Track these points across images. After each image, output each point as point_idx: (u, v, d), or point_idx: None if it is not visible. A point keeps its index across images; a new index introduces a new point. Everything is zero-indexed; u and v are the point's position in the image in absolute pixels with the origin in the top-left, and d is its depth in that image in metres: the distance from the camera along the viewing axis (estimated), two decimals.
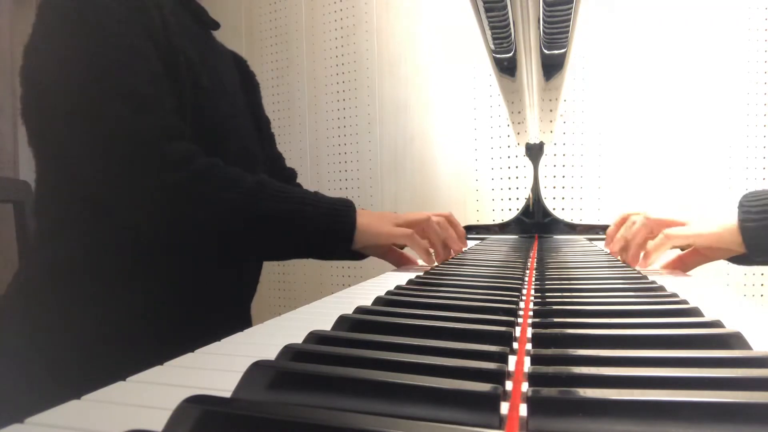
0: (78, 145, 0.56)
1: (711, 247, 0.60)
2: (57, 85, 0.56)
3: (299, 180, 0.96)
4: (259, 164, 0.80)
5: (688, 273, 0.64)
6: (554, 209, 1.26)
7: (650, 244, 0.62)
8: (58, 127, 0.57)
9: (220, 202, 0.57)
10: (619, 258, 0.69)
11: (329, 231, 0.63)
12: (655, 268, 0.66)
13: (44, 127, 0.59)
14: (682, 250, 0.67)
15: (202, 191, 0.56)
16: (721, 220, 0.58)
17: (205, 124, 0.65)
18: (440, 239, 0.71)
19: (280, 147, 0.94)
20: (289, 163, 0.96)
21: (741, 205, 0.56)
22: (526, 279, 0.54)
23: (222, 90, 0.71)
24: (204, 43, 0.73)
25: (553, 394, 0.20)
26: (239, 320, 0.76)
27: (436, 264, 0.70)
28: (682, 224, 0.62)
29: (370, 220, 0.66)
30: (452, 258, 0.73)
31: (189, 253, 0.62)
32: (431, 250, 0.71)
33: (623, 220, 0.72)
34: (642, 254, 0.65)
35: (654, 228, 0.63)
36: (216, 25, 0.79)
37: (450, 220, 0.77)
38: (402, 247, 0.75)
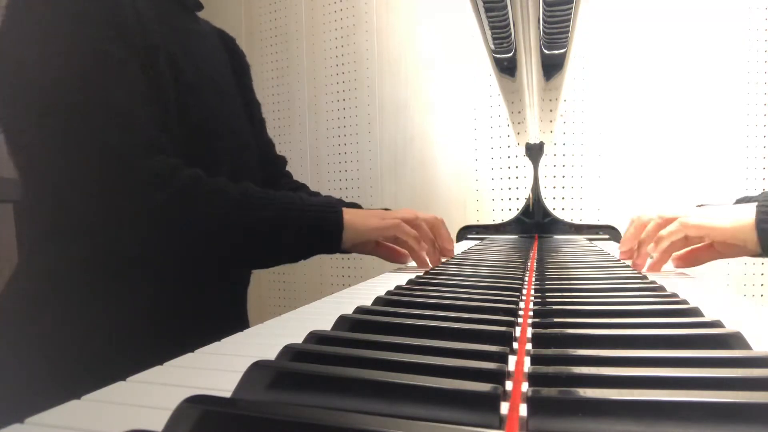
0: (50, 161, 0.54)
1: (725, 242, 0.59)
2: (25, 95, 0.53)
3: (304, 176, 0.95)
4: (252, 156, 0.78)
5: (689, 274, 0.64)
6: (554, 209, 1.26)
7: (664, 231, 0.60)
8: (29, 139, 0.54)
9: (205, 219, 0.56)
10: (629, 261, 0.67)
11: (317, 234, 0.62)
12: (666, 267, 0.65)
13: (17, 136, 0.56)
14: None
15: (185, 210, 0.55)
16: (738, 216, 0.56)
17: (192, 122, 0.63)
18: (429, 237, 0.70)
19: (280, 147, 0.94)
20: (289, 163, 0.96)
21: (760, 205, 0.55)
22: (526, 279, 0.54)
23: (209, 82, 0.69)
24: (187, 30, 0.70)
25: (553, 394, 0.20)
26: (236, 319, 0.76)
27: (429, 264, 0.69)
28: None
29: (356, 217, 0.65)
30: (447, 260, 0.73)
31: (175, 266, 0.61)
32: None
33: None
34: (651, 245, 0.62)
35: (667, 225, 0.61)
36: (199, 6, 0.76)
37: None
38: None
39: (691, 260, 0.64)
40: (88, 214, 0.55)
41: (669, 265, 0.65)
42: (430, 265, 0.69)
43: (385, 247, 0.72)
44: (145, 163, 0.53)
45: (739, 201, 0.76)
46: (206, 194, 0.56)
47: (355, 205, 0.87)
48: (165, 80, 0.60)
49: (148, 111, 0.57)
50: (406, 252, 0.72)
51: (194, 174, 0.57)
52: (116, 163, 0.53)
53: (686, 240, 0.62)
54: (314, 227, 0.62)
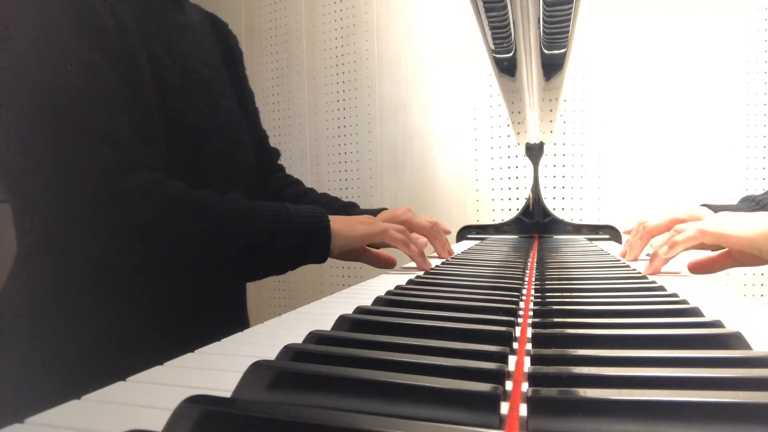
0: (30, 178, 0.52)
1: (742, 251, 0.57)
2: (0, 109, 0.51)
3: (304, 176, 0.94)
4: (246, 151, 0.76)
5: (689, 274, 0.64)
6: (554, 209, 1.26)
7: (680, 236, 0.58)
8: (8, 153, 0.52)
9: (190, 236, 0.54)
10: (630, 262, 0.67)
11: (305, 246, 0.61)
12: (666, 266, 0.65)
13: None
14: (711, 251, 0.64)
15: (169, 228, 0.53)
16: (757, 225, 0.54)
17: (179, 126, 0.61)
18: (422, 238, 0.69)
19: (280, 147, 0.94)
20: (288, 163, 0.95)
21: None
22: (526, 279, 0.54)
23: (197, 80, 0.66)
24: (173, 25, 0.66)
25: (553, 394, 0.20)
26: (236, 319, 0.76)
27: (428, 264, 0.69)
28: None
29: (343, 225, 0.64)
30: (447, 260, 0.73)
31: (164, 279, 0.60)
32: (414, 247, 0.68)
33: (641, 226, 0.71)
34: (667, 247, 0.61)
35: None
36: None
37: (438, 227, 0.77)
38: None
39: (707, 267, 0.63)
40: (73, 230, 0.53)
41: (668, 266, 0.65)
42: (430, 264, 0.69)
43: (371, 254, 0.72)
44: (125, 181, 0.51)
45: (743, 200, 0.76)
46: (190, 210, 0.55)
47: (352, 205, 0.87)
48: (147, 86, 0.58)
49: (128, 123, 0.54)
50: (393, 258, 0.71)
51: (178, 189, 0.55)
52: (96, 183, 0.51)
53: (700, 246, 0.61)
54: (302, 239, 0.61)
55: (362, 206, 0.89)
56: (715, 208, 0.68)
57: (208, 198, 0.57)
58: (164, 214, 0.53)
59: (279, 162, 0.93)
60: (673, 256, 0.60)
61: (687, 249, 0.59)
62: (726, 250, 0.61)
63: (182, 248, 0.55)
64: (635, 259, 0.71)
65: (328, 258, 0.65)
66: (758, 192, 0.74)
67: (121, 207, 0.52)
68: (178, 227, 0.54)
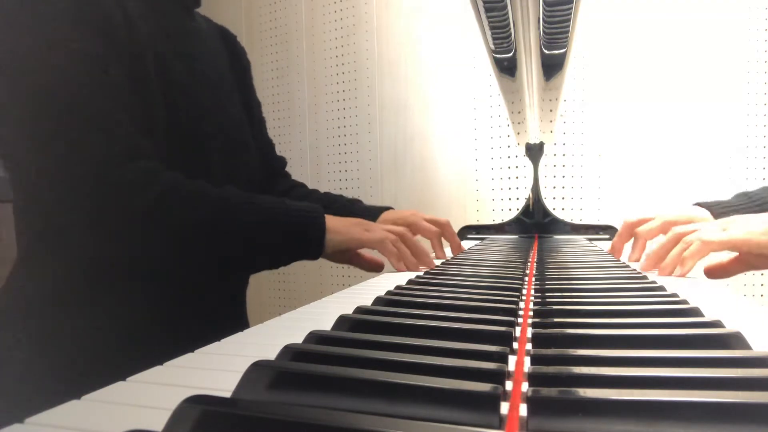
0: (31, 166, 0.53)
1: (751, 253, 0.57)
2: (4, 97, 0.52)
3: (304, 176, 0.95)
4: (251, 155, 0.77)
5: (689, 274, 0.63)
6: (554, 209, 1.26)
7: (687, 252, 0.58)
8: (11, 142, 0.53)
9: (184, 225, 0.55)
10: (631, 262, 0.67)
11: (299, 240, 0.61)
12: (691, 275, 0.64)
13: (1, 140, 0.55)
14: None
15: (164, 216, 0.54)
16: (760, 225, 0.54)
17: (181, 123, 0.62)
18: (418, 250, 0.68)
19: (280, 147, 0.94)
20: (288, 163, 0.95)
21: None
22: (526, 279, 0.54)
23: (202, 81, 0.67)
24: (181, 29, 0.68)
25: (553, 394, 0.20)
26: (236, 319, 0.76)
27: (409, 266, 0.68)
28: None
29: (339, 225, 0.64)
30: (447, 260, 0.73)
31: (160, 273, 0.60)
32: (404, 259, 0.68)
33: (629, 229, 0.71)
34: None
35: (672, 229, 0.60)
36: (196, 3, 0.73)
37: (444, 230, 0.77)
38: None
39: (720, 273, 0.63)
40: (72, 220, 0.54)
41: None
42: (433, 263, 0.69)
43: (361, 258, 0.72)
44: (123, 169, 0.52)
45: (737, 196, 0.76)
46: (185, 199, 0.55)
47: (356, 201, 0.87)
48: (151, 80, 0.58)
49: (129, 114, 0.55)
50: (381, 262, 0.71)
51: (173, 179, 0.55)
52: (94, 170, 0.51)
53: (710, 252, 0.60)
54: (297, 233, 0.61)
55: (363, 203, 0.89)
56: (709, 205, 0.67)
57: (206, 188, 0.58)
58: (162, 203, 0.53)
59: (286, 170, 0.94)
60: (687, 272, 0.59)
61: (697, 261, 0.59)
62: (736, 255, 0.61)
63: (179, 237, 0.55)
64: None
65: (322, 255, 0.65)
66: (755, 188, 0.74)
67: (120, 195, 0.52)
68: (176, 216, 0.54)
